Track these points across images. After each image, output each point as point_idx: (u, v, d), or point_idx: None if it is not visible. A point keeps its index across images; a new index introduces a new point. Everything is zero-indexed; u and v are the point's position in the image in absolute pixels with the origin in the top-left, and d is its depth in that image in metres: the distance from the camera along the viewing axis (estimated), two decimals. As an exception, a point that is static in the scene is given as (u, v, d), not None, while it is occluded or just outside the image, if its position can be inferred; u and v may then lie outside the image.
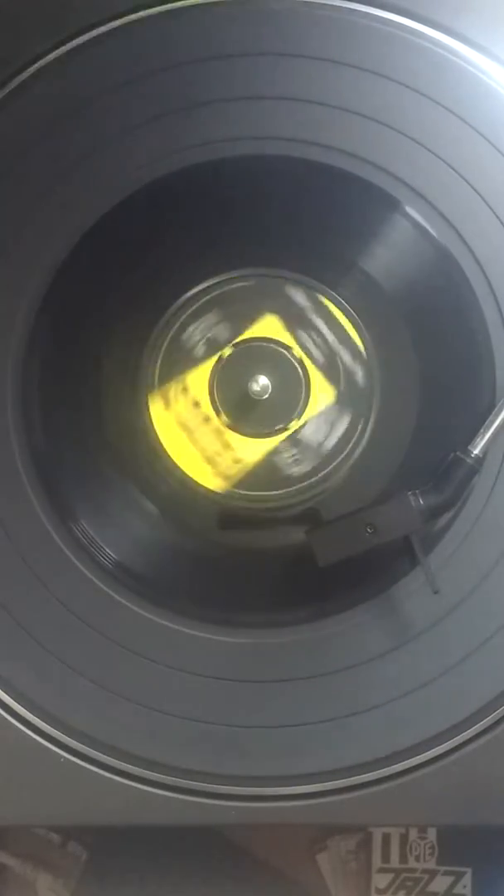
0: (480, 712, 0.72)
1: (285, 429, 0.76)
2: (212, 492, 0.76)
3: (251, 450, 0.76)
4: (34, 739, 0.72)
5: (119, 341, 0.77)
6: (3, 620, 0.72)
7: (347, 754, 0.72)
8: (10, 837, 0.88)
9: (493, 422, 0.70)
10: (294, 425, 0.76)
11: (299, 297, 0.76)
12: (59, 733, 0.72)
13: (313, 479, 0.76)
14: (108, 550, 0.75)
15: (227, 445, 0.76)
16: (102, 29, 0.70)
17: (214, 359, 0.76)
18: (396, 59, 0.70)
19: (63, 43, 0.70)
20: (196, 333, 0.76)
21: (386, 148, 0.71)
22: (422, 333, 0.75)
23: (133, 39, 0.70)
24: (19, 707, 0.72)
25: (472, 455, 0.70)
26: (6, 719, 0.72)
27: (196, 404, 0.76)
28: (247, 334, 0.76)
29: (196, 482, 0.77)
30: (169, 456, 0.77)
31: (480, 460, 0.70)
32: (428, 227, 0.71)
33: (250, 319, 0.76)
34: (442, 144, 0.70)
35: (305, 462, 0.76)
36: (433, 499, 0.70)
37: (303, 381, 0.76)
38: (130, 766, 0.72)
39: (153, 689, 0.72)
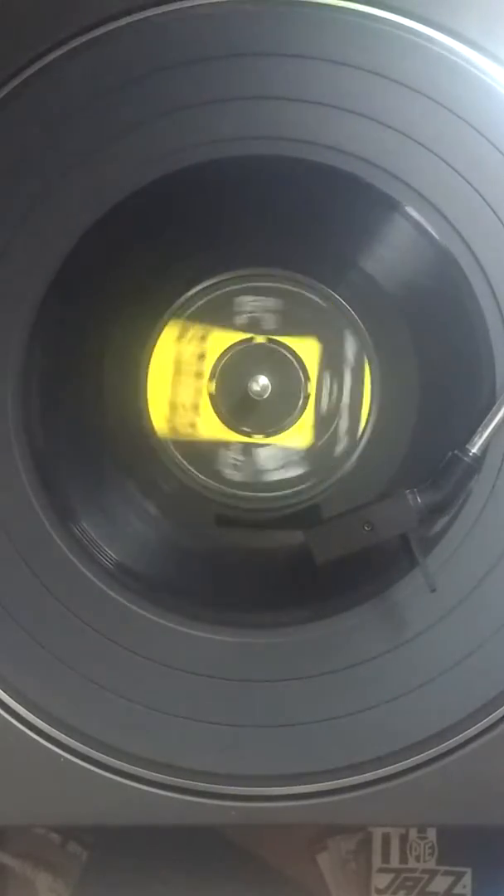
0: (480, 712, 0.72)
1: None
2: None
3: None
4: (34, 739, 0.72)
5: (119, 341, 0.77)
6: (3, 620, 0.72)
7: (347, 754, 0.72)
8: (10, 837, 0.88)
9: (490, 421, 0.70)
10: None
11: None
12: (59, 733, 0.72)
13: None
14: (108, 550, 0.75)
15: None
16: (102, 29, 0.70)
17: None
18: (396, 59, 0.70)
19: (63, 43, 0.70)
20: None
21: (386, 148, 0.71)
22: (422, 333, 0.75)
23: (133, 39, 0.70)
24: (19, 707, 0.72)
25: (471, 454, 0.70)
26: (6, 719, 0.72)
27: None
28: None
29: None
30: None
31: (479, 459, 0.70)
32: (428, 227, 0.71)
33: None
34: (442, 144, 0.70)
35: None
36: (431, 497, 0.70)
37: (302, 380, 0.76)
38: (130, 766, 0.72)
39: (153, 688, 0.72)
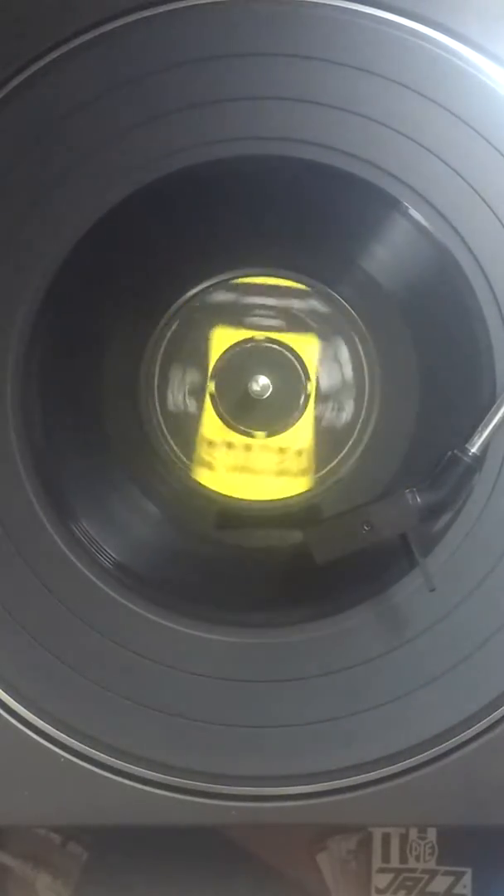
0: (480, 712, 0.72)
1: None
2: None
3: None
4: (34, 739, 0.72)
5: (119, 341, 0.77)
6: (3, 620, 0.72)
7: (347, 754, 0.72)
8: (10, 837, 0.88)
9: (490, 420, 0.70)
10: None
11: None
12: (59, 733, 0.72)
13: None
14: (108, 550, 0.75)
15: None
16: (102, 29, 0.70)
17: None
18: (396, 59, 0.70)
19: (63, 43, 0.70)
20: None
21: (386, 148, 0.71)
22: (422, 333, 0.75)
23: (133, 39, 0.70)
24: (19, 707, 0.72)
25: (470, 454, 0.70)
26: (6, 719, 0.72)
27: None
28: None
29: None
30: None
31: (478, 459, 0.70)
32: (428, 226, 0.71)
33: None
34: (441, 144, 0.70)
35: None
36: (430, 497, 0.70)
37: (303, 380, 0.76)
38: (130, 766, 0.72)
39: (153, 688, 0.72)
